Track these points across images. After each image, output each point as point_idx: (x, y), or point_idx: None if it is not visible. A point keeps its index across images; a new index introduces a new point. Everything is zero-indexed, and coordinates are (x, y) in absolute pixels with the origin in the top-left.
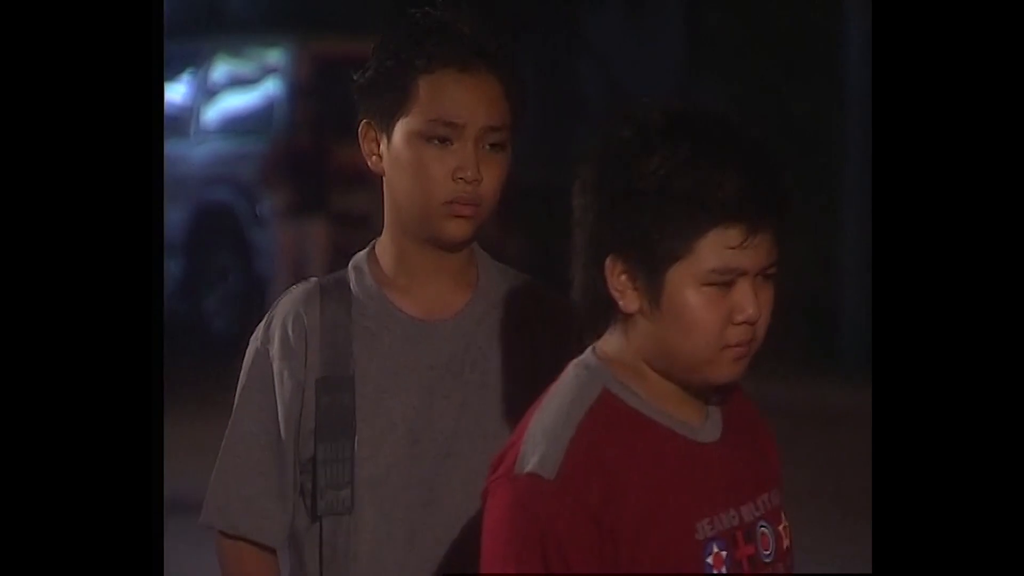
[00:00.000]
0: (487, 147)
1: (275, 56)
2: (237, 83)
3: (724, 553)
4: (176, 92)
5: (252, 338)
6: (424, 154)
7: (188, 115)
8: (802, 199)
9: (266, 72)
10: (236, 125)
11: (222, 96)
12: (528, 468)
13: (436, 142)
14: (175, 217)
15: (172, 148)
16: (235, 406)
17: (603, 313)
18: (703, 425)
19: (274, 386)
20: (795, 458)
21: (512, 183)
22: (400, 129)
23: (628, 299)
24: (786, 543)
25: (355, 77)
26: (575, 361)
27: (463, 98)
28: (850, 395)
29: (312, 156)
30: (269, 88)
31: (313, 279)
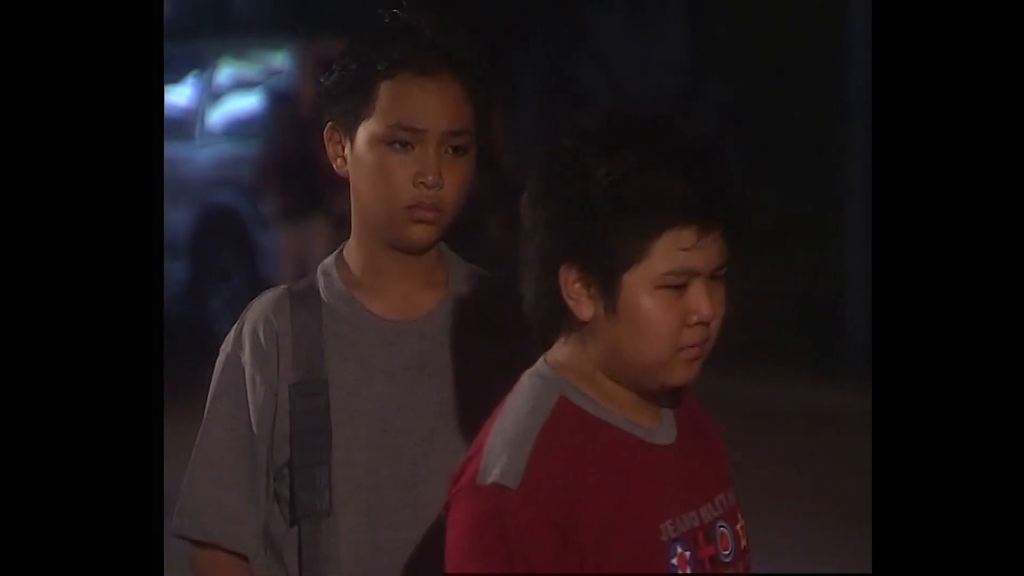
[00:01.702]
0: (449, 151)
1: (280, 59)
2: (242, 86)
3: (688, 554)
4: (181, 94)
5: (222, 346)
6: (386, 159)
7: (193, 117)
8: (805, 200)
9: (271, 75)
10: (241, 128)
11: (227, 99)
12: (491, 479)
13: (397, 146)
14: (179, 219)
15: (177, 150)
16: (206, 414)
17: (556, 323)
18: (659, 428)
19: (246, 393)
20: (796, 460)
21: (516, 185)
22: (362, 133)
23: (583, 307)
24: (743, 543)
25: (320, 79)
26: (528, 371)
27: (424, 103)
28: (853, 397)
29: (313, 158)
30: (274, 91)
31: (282, 286)
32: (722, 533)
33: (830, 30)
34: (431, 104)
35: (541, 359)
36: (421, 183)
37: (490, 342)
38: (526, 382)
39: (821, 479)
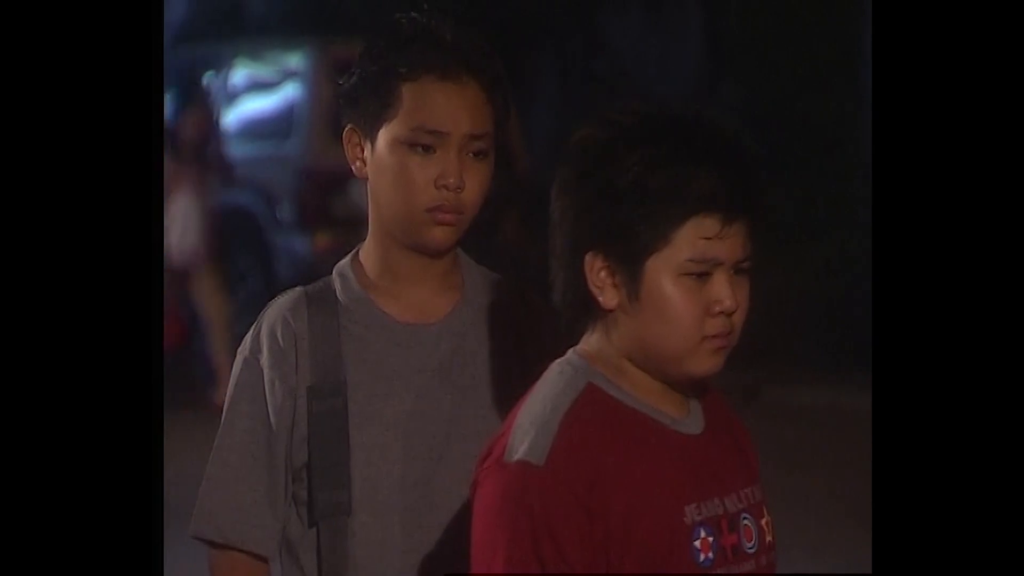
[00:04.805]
0: (470, 154)
1: (295, 60)
2: (257, 87)
3: (711, 539)
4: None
5: (239, 348)
6: (407, 162)
7: None
8: (823, 200)
9: (286, 76)
10: (256, 129)
11: (242, 100)
12: (517, 456)
13: (420, 150)
14: None
15: None
16: (224, 416)
17: (583, 313)
18: (686, 418)
19: (264, 395)
20: (799, 460)
21: (532, 188)
22: (384, 136)
23: (608, 294)
24: (768, 538)
25: (340, 82)
26: (557, 360)
27: (446, 106)
28: (864, 396)
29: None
30: (289, 92)
31: (298, 288)
32: (746, 525)
33: (847, 28)
34: (453, 107)
35: (571, 350)
36: (443, 186)
37: (505, 346)
38: (555, 368)
39: (828, 479)
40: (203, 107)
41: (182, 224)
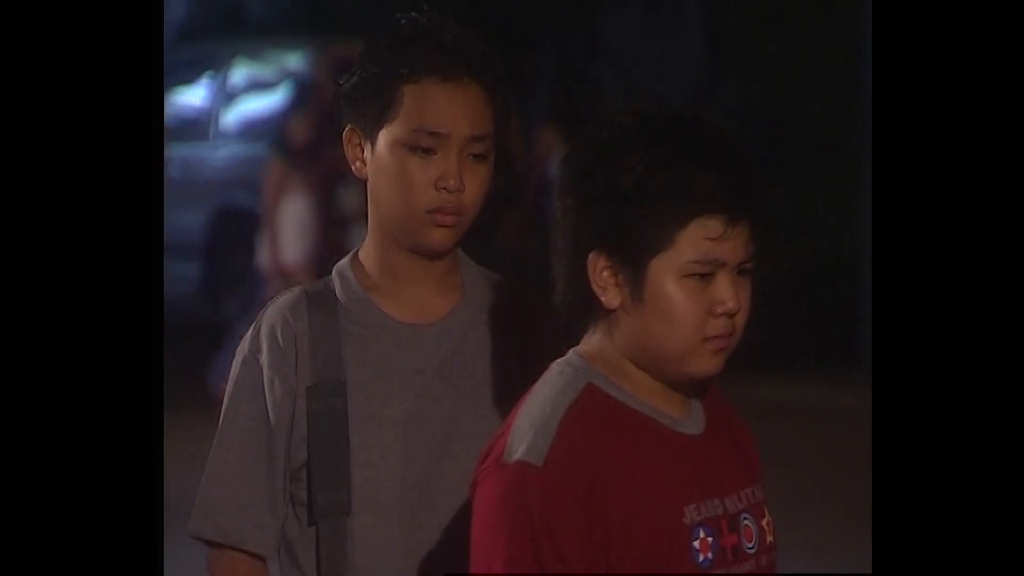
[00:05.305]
0: (470, 156)
1: (294, 60)
2: (256, 86)
3: (710, 539)
4: (195, 95)
5: (239, 348)
6: (407, 163)
7: (207, 118)
8: (823, 200)
9: (285, 76)
10: (255, 128)
11: (241, 99)
12: (516, 456)
13: (420, 151)
14: (194, 220)
15: (191, 151)
16: (223, 416)
17: (585, 313)
18: (687, 419)
19: (263, 395)
20: (800, 459)
21: (531, 188)
22: (384, 137)
23: (610, 295)
24: (769, 538)
25: (340, 82)
26: (558, 360)
27: (447, 108)
28: (863, 395)
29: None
30: (288, 91)
31: (298, 287)
32: (746, 525)
33: (847, 28)
34: (454, 109)
35: (571, 350)
36: (443, 187)
37: (505, 346)
38: (555, 369)
39: (829, 478)
40: (315, 109)
41: (296, 227)
